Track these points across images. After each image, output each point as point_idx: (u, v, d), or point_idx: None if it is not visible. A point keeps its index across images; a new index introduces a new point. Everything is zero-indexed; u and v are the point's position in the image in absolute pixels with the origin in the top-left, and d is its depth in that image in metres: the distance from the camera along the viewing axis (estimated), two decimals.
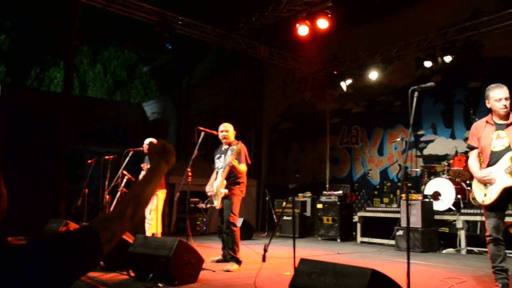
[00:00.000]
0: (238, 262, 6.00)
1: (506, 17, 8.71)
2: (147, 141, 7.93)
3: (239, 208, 6.23)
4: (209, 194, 6.39)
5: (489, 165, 4.39)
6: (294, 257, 4.53)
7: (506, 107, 4.31)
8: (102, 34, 16.18)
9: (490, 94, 4.39)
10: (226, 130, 6.40)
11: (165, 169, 1.66)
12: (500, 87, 4.36)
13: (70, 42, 12.10)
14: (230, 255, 6.05)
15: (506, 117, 4.37)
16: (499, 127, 4.38)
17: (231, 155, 6.04)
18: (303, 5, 9.30)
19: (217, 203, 6.22)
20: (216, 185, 6.22)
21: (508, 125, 4.34)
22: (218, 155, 6.46)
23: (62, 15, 12.34)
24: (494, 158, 4.34)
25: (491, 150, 4.37)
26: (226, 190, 6.10)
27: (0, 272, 1.13)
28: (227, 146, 6.33)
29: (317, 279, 3.02)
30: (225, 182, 6.11)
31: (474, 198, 4.67)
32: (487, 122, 4.48)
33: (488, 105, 4.45)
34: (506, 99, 4.31)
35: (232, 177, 6.18)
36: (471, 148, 4.63)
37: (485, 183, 4.35)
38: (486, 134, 4.43)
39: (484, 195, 4.35)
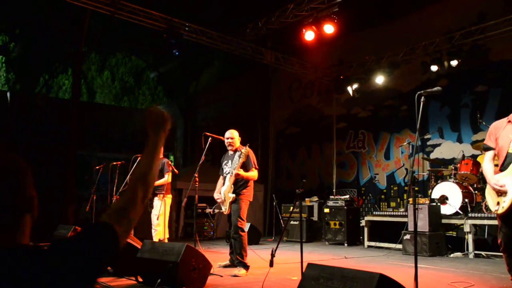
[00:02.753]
0: (246, 267, 6.02)
1: None
2: None
3: (246, 213, 6.26)
4: (218, 201, 6.43)
5: (502, 167, 3.97)
6: (302, 262, 4.55)
7: None
8: (109, 40, 16.29)
9: None
10: (232, 137, 6.43)
11: (163, 139, 1.63)
12: None
13: (79, 49, 12.22)
14: (237, 260, 6.07)
15: None
16: None
17: (239, 159, 6.08)
18: (309, 10, 9.34)
19: (225, 209, 6.26)
20: (224, 190, 6.25)
21: None
22: (225, 161, 6.50)
23: (70, 22, 12.45)
24: (508, 161, 3.92)
25: (507, 152, 3.93)
26: (234, 195, 6.13)
27: (25, 276, 1.14)
28: (233, 152, 6.39)
29: (325, 284, 3.03)
30: (232, 187, 6.15)
31: (487, 207, 4.34)
32: (509, 121, 4.02)
33: None
34: None
35: (239, 181, 6.21)
36: (487, 148, 4.16)
37: (498, 191, 3.94)
38: (505, 134, 3.97)
39: (497, 204, 3.94)
